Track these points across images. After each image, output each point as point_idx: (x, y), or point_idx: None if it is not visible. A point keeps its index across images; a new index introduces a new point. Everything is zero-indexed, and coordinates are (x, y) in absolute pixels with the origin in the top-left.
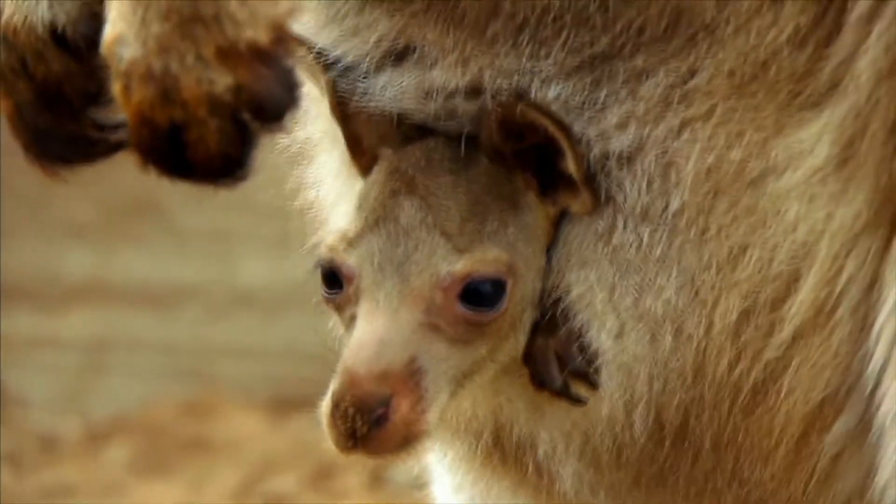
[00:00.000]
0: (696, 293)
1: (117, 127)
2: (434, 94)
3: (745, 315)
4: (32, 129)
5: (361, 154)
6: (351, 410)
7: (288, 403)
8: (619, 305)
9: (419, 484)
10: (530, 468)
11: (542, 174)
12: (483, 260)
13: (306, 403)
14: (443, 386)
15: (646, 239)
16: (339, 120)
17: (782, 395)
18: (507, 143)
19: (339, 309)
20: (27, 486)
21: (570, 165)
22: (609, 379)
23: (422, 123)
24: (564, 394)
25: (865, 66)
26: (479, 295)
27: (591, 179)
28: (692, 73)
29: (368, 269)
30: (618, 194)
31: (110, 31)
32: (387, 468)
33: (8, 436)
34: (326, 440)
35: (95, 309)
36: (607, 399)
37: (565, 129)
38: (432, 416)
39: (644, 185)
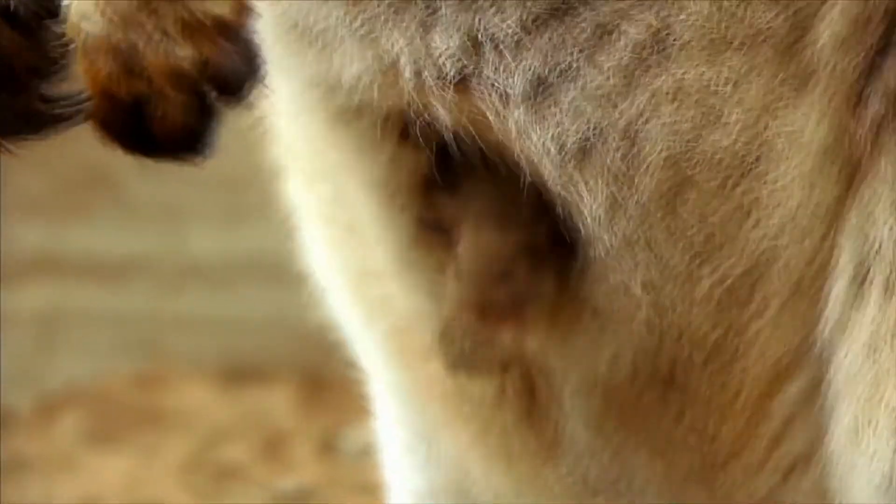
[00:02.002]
0: (676, 277)
1: (66, 100)
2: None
3: (727, 292)
4: None
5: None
6: None
7: (238, 374)
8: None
9: (369, 452)
10: (531, 405)
11: None
12: None
13: (257, 374)
14: None
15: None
16: None
17: (742, 353)
18: None
19: None
20: None
21: None
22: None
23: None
24: None
25: (823, 29)
26: None
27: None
28: (658, 30)
29: None
30: (580, 202)
31: (74, 7)
32: (336, 437)
33: None
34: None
35: (46, 282)
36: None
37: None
38: None
39: (607, 182)
